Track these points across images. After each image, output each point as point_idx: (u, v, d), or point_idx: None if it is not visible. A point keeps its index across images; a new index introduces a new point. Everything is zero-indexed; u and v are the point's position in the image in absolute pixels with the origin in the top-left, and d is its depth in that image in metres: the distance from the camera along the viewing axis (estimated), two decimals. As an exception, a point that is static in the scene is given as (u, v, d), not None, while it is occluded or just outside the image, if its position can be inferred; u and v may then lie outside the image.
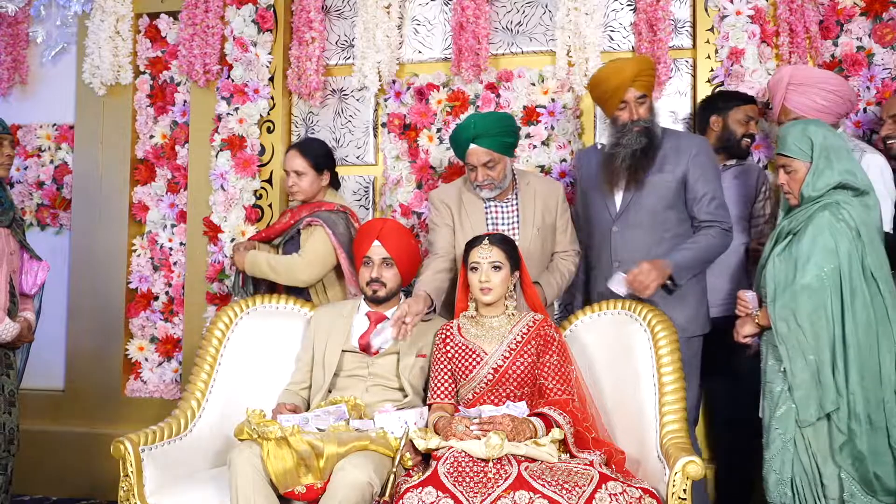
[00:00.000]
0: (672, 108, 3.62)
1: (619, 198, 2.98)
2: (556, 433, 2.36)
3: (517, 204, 3.05)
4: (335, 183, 3.40)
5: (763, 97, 3.36)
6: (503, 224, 3.04)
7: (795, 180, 2.50)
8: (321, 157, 3.28)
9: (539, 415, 2.44)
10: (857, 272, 2.38)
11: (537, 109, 3.67)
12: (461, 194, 3.08)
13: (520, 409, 2.48)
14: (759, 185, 3.20)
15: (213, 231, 3.89)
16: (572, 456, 2.36)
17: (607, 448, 2.43)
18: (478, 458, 2.23)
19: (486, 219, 3.04)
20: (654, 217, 2.92)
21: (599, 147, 3.14)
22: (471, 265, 2.63)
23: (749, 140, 3.21)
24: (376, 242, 2.79)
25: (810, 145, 2.48)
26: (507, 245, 2.65)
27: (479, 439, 2.26)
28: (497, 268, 2.59)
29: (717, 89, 3.43)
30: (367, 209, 3.89)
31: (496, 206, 3.06)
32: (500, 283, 2.60)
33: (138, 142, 4.15)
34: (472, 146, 2.93)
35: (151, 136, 4.13)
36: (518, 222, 3.03)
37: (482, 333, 2.63)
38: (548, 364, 2.56)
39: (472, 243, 2.67)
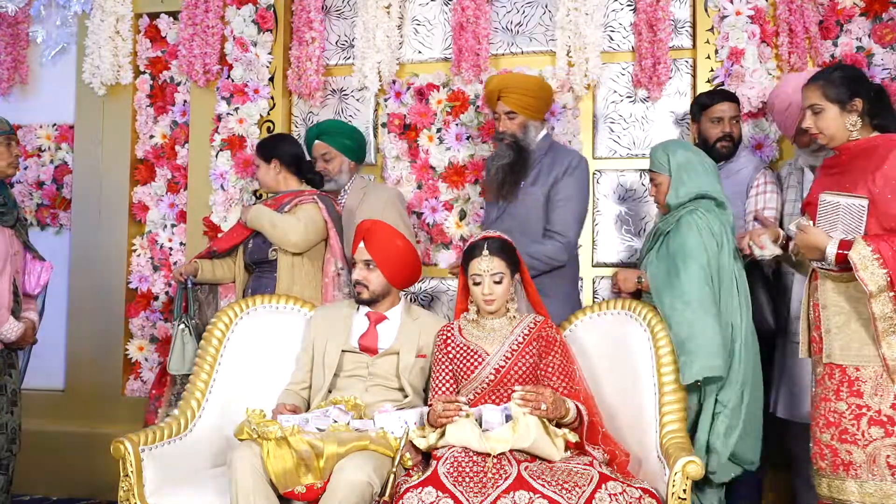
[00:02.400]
0: (672, 108, 3.63)
1: (499, 205, 3.19)
2: (570, 435, 2.37)
3: (342, 205, 3.37)
4: (313, 181, 3.37)
5: (761, 99, 3.36)
6: None
7: (661, 192, 2.86)
8: (264, 147, 3.31)
9: None
10: (715, 268, 2.72)
11: (537, 109, 3.67)
12: None
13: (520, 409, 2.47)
14: (749, 183, 3.15)
15: (213, 231, 3.89)
16: (579, 453, 2.36)
17: (615, 447, 2.43)
18: (476, 459, 2.23)
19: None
20: (522, 226, 3.08)
21: None
22: (472, 278, 2.59)
23: (727, 142, 3.15)
24: (361, 245, 2.79)
25: (668, 161, 2.82)
26: (506, 253, 2.60)
27: (465, 419, 2.31)
28: (499, 281, 2.58)
29: (698, 94, 3.36)
30: (367, 209, 3.90)
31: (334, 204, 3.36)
32: (502, 293, 2.58)
33: (138, 142, 4.15)
34: (316, 142, 3.39)
35: (151, 136, 4.13)
36: None
37: (483, 335, 2.62)
38: (551, 364, 2.56)
39: (472, 253, 2.60)
